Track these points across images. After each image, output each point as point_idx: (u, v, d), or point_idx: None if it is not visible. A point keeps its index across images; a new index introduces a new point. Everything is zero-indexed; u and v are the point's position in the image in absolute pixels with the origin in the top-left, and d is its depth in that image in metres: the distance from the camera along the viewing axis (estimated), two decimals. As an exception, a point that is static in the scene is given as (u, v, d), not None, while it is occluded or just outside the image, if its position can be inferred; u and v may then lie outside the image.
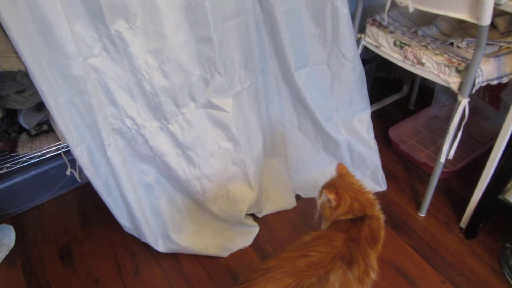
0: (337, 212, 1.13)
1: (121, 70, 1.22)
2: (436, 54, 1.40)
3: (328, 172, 1.85)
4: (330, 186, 1.17)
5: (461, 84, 1.34)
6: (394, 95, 2.44)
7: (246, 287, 0.99)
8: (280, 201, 1.77)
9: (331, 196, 1.12)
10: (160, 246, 1.55)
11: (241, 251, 1.58)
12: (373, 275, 1.07)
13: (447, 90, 2.15)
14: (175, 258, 1.56)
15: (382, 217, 1.15)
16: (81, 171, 1.67)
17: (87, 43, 1.15)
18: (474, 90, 1.34)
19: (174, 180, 1.48)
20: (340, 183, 1.17)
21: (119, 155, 1.33)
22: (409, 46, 1.48)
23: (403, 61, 1.52)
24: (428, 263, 1.50)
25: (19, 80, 1.23)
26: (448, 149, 1.47)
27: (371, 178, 1.78)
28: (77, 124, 1.25)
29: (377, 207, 1.16)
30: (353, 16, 1.59)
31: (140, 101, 1.29)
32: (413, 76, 2.29)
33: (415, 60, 1.47)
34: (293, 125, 1.75)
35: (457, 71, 1.34)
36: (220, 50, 1.26)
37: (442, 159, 1.49)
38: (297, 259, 1.00)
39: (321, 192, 1.17)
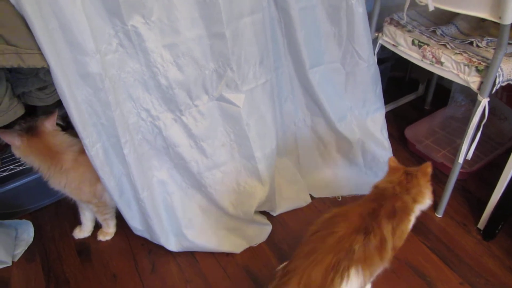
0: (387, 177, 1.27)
1: (136, 64, 1.24)
2: (456, 53, 1.40)
3: (339, 173, 1.87)
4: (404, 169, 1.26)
5: (481, 84, 1.33)
6: (409, 95, 2.43)
7: (293, 276, 1.05)
8: (294, 199, 1.77)
9: (390, 162, 1.30)
10: (173, 245, 1.56)
11: (257, 249, 1.58)
12: (390, 251, 1.12)
13: (464, 90, 2.14)
14: (191, 255, 1.57)
15: (412, 218, 1.20)
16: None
17: (104, 40, 1.16)
18: (494, 90, 1.33)
19: (186, 174, 1.49)
20: (412, 171, 1.24)
21: (134, 152, 1.34)
22: (428, 45, 1.47)
23: (422, 60, 1.51)
24: (445, 264, 1.49)
25: (42, 77, 1.24)
26: (467, 150, 1.46)
27: (384, 179, 1.77)
28: (92, 124, 1.26)
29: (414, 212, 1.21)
30: (370, 15, 1.59)
31: (154, 93, 1.31)
32: (429, 75, 2.28)
33: (434, 60, 1.46)
34: (306, 124, 1.76)
35: (477, 70, 1.33)
36: (234, 47, 1.27)
37: (461, 160, 1.48)
38: (327, 237, 1.09)
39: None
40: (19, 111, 1.25)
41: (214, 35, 1.24)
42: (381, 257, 1.10)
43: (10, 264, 1.56)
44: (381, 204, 1.16)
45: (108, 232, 1.66)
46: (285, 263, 1.15)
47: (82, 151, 1.35)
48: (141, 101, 1.31)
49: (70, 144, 1.44)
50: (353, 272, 1.05)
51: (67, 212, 1.75)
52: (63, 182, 1.46)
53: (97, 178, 1.37)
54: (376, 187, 1.26)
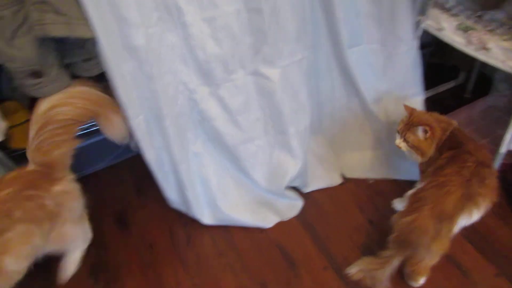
0: (435, 138, 1.36)
1: (175, 38, 1.26)
2: (504, 39, 1.35)
3: (372, 155, 1.85)
4: (414, 123, 1.38)
5: (529, 72, 1.29)
6: (449, 82, 2.36)
7: (426, 203, 1.19)
8: (326, 177, 1.78)
9: (427, 128, 1.35)
10: (207, 218, 1.59)
11: (290, 227, 1.60)
12: None
13: (507, 79, 2.07)
14: (225, 229, 1.60)
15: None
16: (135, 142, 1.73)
17: (146, 13, 1.18)
18: (543, 78, 1.29)
19: (221, 147, 1.51)
20: (420, 118, 1.39)
21: (174, 125, 1.37)
22: (474, 30, 1.43)
23: (466, 46, 1.47)
24: (482, 255, 1.47)
25: (88, 48, 1.26)
26: (510, 140, 1.42)
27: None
28: (136, 96, 1.29)
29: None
30: (413, -2, 1.55)
31: (192, 67, 1.33)
32: (471, 63, 2.21)
33: (479, 45, 1.42)
34: (341, 103, 1.75)
35: (526, 57, 1.29)
36: (271, 22, 1.28)
37: (503, 149, 1.45)
38: (462, 170, 1.23)
39: (405, 133, 1.40)
40: (66, 81, 1.29)
41: (252, 10, 1.26)
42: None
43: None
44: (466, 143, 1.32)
45: None
46: (413, 190, 1.30)
47: None
48: (179, 74, 1.33)
49: None
50: (481, 202, 1.21)
51: (106, 183, 1.80)
52: None
53: None
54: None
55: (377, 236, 1.53)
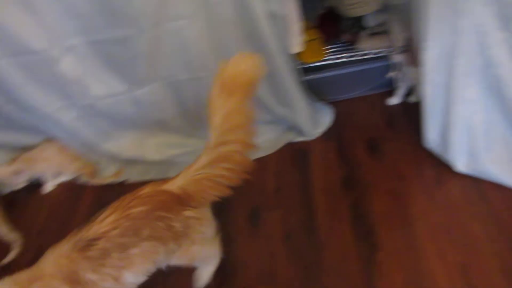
0: None
1: None
2: None
3: None
4: None
5: None
6: None
7: None
8: None
9: None
10: (462, 165, 1.56)
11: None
12: None
13: None
14: (477, 181, 1.55)
15: None
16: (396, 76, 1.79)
17: None
18: None
19: (498, 97, 1.44)
20: None
21: (462, 65, 1.37)
22: None
23: None
24: None
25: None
26: None
27: None
28: (437, 29, 1.32)
29: None
30: None
31: (492, 9, 1.27)
32: None
33: None
34: None
35: None
36: None
37: None
38: None
39: None
40: (374, 7, 1.39)
41: None
42: None
43: (311, 138, 1.83)
44: None
45: None
46: None
47: None
48: (476, 15, 1.29)
49: None
50: None
51: (360, 110, 1.93)
52: None
53: None
54: None
55: None
